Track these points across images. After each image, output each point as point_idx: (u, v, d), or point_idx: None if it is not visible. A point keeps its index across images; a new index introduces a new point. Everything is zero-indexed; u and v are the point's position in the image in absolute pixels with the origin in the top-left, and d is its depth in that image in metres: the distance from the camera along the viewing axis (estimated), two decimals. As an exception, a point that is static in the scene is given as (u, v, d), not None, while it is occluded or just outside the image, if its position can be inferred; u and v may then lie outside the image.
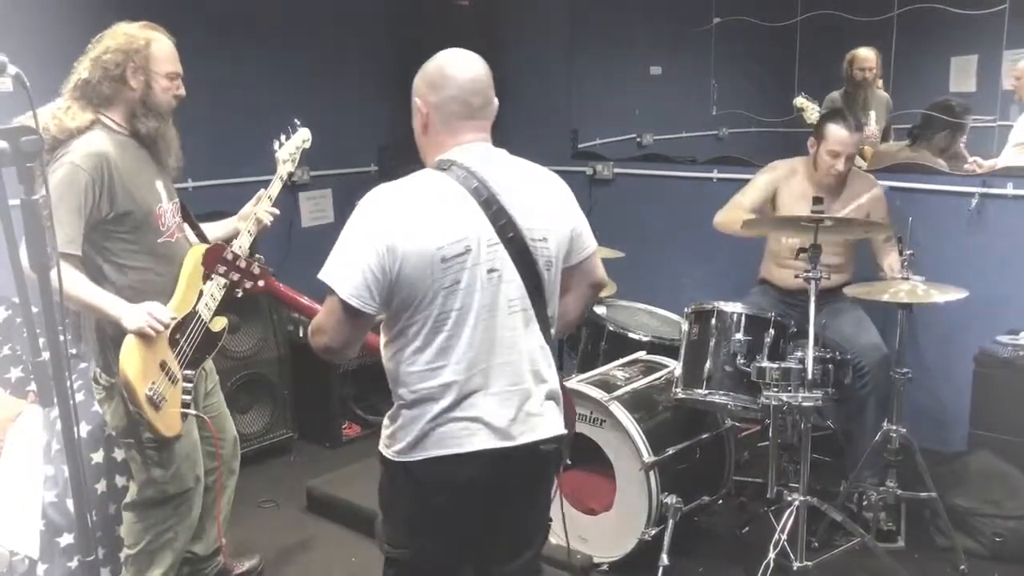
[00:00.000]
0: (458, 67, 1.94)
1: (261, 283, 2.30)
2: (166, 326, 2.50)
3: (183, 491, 2.69)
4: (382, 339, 1.94)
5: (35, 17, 3.51)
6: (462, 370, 1.84)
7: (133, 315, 2.44)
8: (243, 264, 2.28)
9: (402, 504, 1.97)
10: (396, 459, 1.91)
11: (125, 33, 2.51)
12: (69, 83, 2.50)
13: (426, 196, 1.84)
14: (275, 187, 2.86)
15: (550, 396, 1.97)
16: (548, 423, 1.96)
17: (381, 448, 1.96)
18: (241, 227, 2.81)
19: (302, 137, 2.96)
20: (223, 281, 2.70)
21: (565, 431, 2.01)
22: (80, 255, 2.43)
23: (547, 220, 1.92)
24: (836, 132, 3.34)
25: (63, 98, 2.49)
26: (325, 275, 1.81)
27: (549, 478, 2.10)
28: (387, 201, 1.85)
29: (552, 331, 1.99)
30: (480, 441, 1.86)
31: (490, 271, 1.83)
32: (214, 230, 2.88)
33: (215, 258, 2.27)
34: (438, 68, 1.94)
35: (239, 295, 2.33)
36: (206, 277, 2.64)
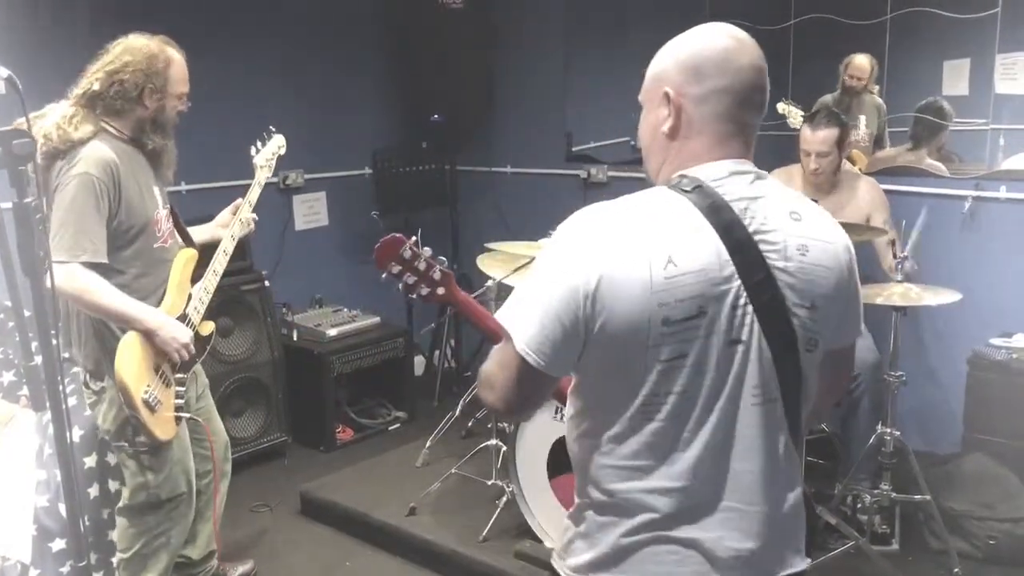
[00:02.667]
0: (735, 48, 1.36)
1: (441, 291, 1.78)
2: (191, 354, 2.58)
3: (176, 495, 2.68)
4: (568, 408, 1.47)
5: (28, 18, 3.50)
6: (678, 475, 1.34)
7: (170, 334, 2.50)
8: (422, 265, 1.76)
9: None
10: None
11: (146, 53, 2.50)
12: (77, 90, 2.49)
13: (653, 227, 1.31)
14: (254, 193, 2.89)
15: (792, 522, 1.43)
16: (786, 558, 1.42)
17: (554, 560, 1.50)
18: (222, 234, 2.83)
19: (277, 143, 2.99)
20: (212, 284, 2.71)
21: (806, 566, 1.46)
22: (107, 262, 2.44)
23: (821, 285, 1.37)
24: (804, 131, 3.43)
25: (69, 104, 2.49)
26: (503, 318, 1.37)
27: None
28: (597, 230, 1.33)
29: (802, 435, 1.46)
30: (691, 574, 1.36)
31: (731, 342, 1.32)
32: (195, 234, 2.89)
33: (390, 253, 1.75)
34: (701, 46, 1.37)
35: (411, 299, 1.86)
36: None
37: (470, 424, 4.17)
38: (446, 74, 4.72)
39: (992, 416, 3.36)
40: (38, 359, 1.55)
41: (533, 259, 3.44)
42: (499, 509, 3.33)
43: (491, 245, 3.58)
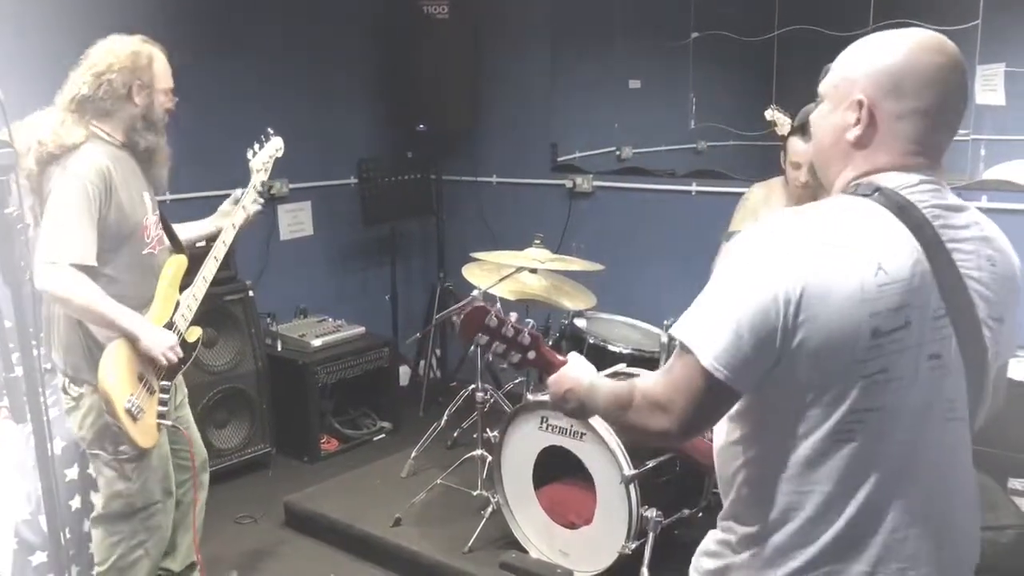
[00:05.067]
0: (941, 66, 1.27)
1: (532, 355, 1.70)
2: (180, 358, 2.58)
3: (150, 504, 2.66)
4: (727, 433, 1.38)
5: (13, 23, 3.49)
6: (862, 500, 1.25)
7: (154, 340, 2.50)
8: (510, 332, 1.68)
9: None
10: None
11: (129, 50, 2.52)
12: (65, 96, 2.49)
13: (856, 232, 1.24)
14: (249, 196, 2.87)
15: (974, 546, 1.40)
16: None
17: None
18: (223, 223, 2.81)
19: (275, 146, 2.96)
20: (201, 291, 2.70)
21: None
22: (96, 265, 2.43)
23: (1008, 299, 1.32)
24: (793, 144, 3.41)
25: (57, 110, 2.48)
26: (683, 331, 1.27)
27: None
28: (795, 233, 1.25)
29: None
30: None
31: (932, 357, 1.25)
32: (190, 230, 2.88)
33: (476, 324, 1.67)
34: (910, 59, 1.28)
35: (503, 368, 1.71)
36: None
37: (455, 434, 4.16)
38: (432, 84, 4.73)
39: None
40: (19, 370, 1.53)
41: (519, 269, 3.45)
42: (485, 520, 3.32)
43: (477, 255, 3.58)
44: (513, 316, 1.69)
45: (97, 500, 2.70)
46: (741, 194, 3.55)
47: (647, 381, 1.34)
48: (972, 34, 3.70)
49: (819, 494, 1.26)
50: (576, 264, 3.56)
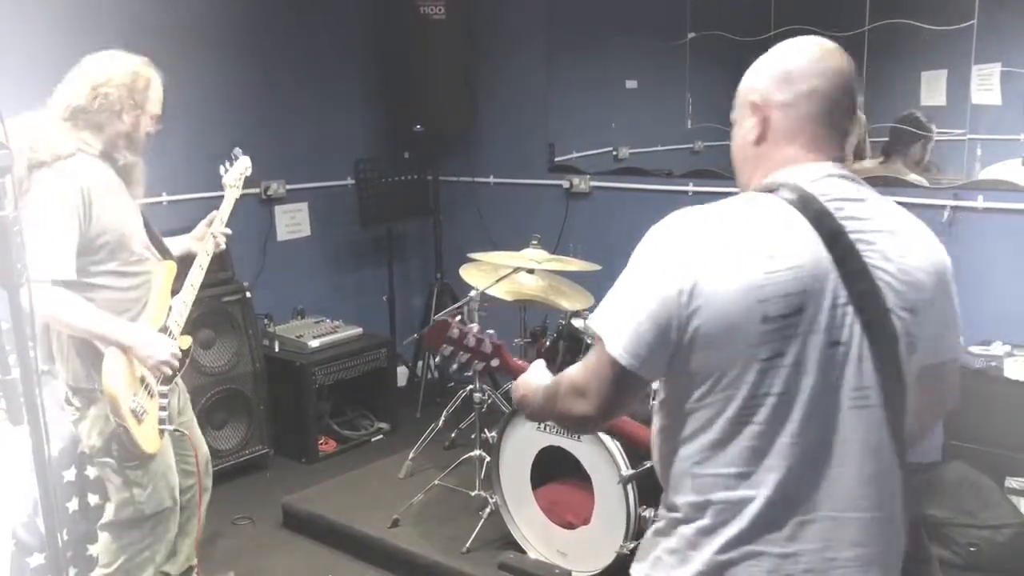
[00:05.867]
0: (817, 54, 1.39)
1: (495, 362, 1.88)
2: (179, 361, 2.58)
3: (160, 510, 2.67)
4: (655, 423, 1.46)
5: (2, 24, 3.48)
6: (776, 483, 1.30)
7: (153, 349, 2.49)
8: (472, 342, 1.86)
9: None
10: None
11: (130, 69, 2.53)
12: (60, 102, 2.49)
13: (748, 225, 1.32)
14: (226, 211, 2.89)
15: (894, 534, 1.38)
16: (888, 568, 1.38)
17: (635, 572, 1.48)
18: (197, 248, 2.84)
19: (244, 164, 3.02)
20: (190, 297, 2.70)
21: None
22: (75, 279, 2.42)
23: (921, 290, 1.34)
24: None
25: (52, 118, 2.48)
26: (596, 322, 1.37)
27: None
28: (690, 228, 1.34)
29: (907, 446, 1.38)
30: None
31: (832, 344, 1.29)
32: (171, 246, 2.87)
33: (440, 336, 1.84)
34: (789, 55, 1.40)
35: (468, 374, 2.01)
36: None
37: (453, 435, 4.16)
38: (428, 84, 4.73)
39: (972, 424, 3.39)
40: (15, 372, 1.53)
41: (516, 269, 3.45)
42: (483, 520, 3.32)
43: (474, 255, 3.58)
44: (475, 327, 1.84)
45: (108, 507, 2.70)
46: (737, 194, 3.54)
47: (570, 370, 1.45)
48: (968, 34, 3.71)
49: (731, 477, 1.32)
50: (573, 264, 3.57)
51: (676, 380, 1.35)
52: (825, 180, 1.35)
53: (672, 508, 1.41)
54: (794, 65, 1.38)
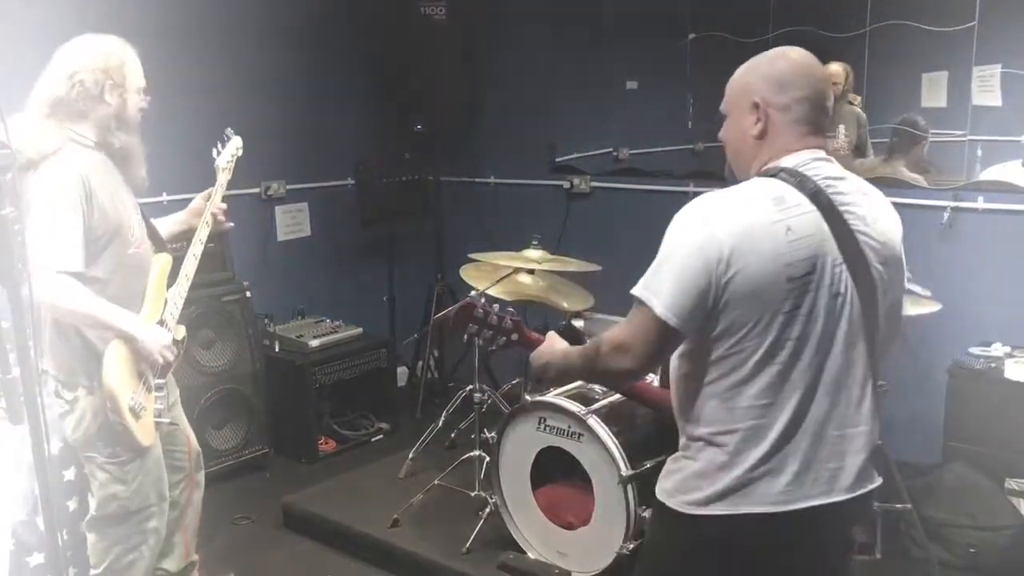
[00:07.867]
0: (810, 65, 1.70)
1: (515, 336, 2.03)
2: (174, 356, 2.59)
3: (145, 507, 2.65)
4: (679, 368, 1.72)
5: None
6: (790, 409, 1.61)
7: (150, 340, 2.50)
8: (495, 320, 2.02)
9: (689, 568, 1.73)
10: (688, 511, 1.67)
11: (101, 50, 2.49)
12: (38, 99, 2.47)
13: (767, 203, 1.59)
14: (218, 195, 2.86)
15: (870, 444, 1.71)
16: (867, 475, 1.70)
17: (663, 497, 1.73)
18: (195, 223, 2.81)
19: (236, 145, 2.98)
20: (185, 288, 2.70)
21: (878, 484, 1.75)
22: (84, 271, 2.42)
23: (890, 247, 1.69)
24: None
25: (34, 115, 2.46)
26: (641, 290, 1.62)
27: (851, 540, 1.92)
28: (722, 207, 1.60)
29: (878, 376, 1.73)
30: (803, 496, 1.62)
31: (834, 296, 1.60)
32: (165, 225, 2.86)
33: (467, 317, 2.01)
34: (787, 64, 1.69)
35: (491, 351, 2.12)
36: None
37: (453, 435, 4.16)
38: (429, 85, 4.73)
39: (972, 425, 3.39)
40: (16, 371, 1.53)
41: (517, 269, 3.45)
42: (482, 520, 3.32)
43: (474, 256, 3.58)
44: (496, 307, 2.03)
45: (91, 503, 2.69)
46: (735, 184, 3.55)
47: (610, 332, 1.69)
48: (968, 35, 3.71)
49: (756, 408, 1.61)
50: (573, 265, 3.57)
51: (706, 333, 1.61)
52: (813, 163, 1.66)
53: (696, 438, 1.68)
54: (788, 74, 1.68)
